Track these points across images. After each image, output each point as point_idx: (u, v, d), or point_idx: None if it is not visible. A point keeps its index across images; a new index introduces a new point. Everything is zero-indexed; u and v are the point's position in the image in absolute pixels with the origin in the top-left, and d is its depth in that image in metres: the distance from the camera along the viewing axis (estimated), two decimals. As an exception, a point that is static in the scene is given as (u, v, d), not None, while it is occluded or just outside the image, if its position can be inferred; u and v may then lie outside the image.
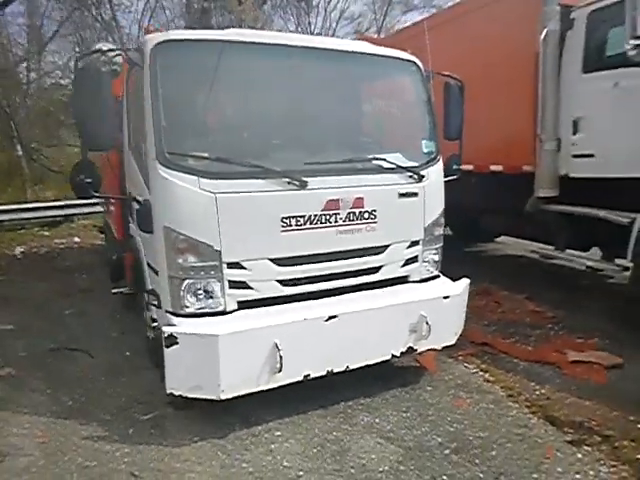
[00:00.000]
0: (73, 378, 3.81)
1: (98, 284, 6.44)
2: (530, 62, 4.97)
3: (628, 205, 4.36)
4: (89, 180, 2.98)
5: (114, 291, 5.06)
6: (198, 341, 2.79)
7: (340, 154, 3.33)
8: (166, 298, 3.04)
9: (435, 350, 3.66)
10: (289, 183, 3.06)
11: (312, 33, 19.21)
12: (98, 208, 10.99)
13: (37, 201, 11.04)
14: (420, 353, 3.56)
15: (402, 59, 3.66)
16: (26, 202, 10.88)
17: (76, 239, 9.56)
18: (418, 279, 3.68)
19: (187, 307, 2.99)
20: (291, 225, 3.09)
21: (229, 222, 2.94)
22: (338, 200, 3.21)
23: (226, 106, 3.15)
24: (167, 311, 3.05)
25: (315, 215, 3.15)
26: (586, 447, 2.89)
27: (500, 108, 5.29)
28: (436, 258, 3.77)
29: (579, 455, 2.83)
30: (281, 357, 2.86)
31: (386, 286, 3.53)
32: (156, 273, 3.17)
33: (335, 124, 3.43)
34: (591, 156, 4.63)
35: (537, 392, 3.53)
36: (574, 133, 4.78)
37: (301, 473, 2.66)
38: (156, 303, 3.20)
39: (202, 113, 3.08)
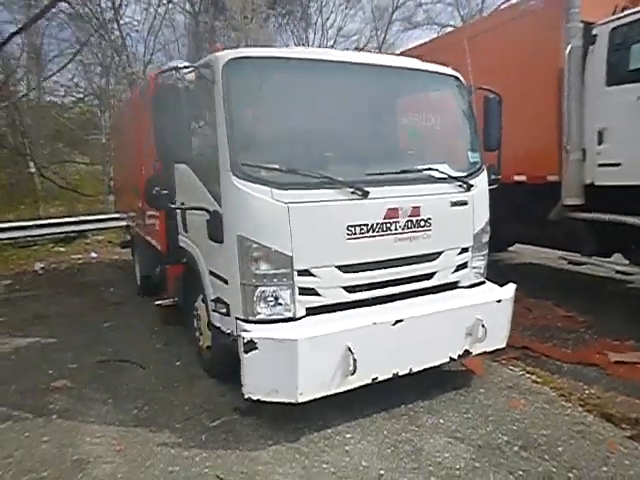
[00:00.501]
0: (131, 388, 3.86)
1: (128, 298, 6.52)
2: (554, 76, 5.19)
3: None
4: (166, 191, 3.10)
5: (157, 303, 5.15)
6: (277, 346, 2.88)
7: (396, 165, 3.48)
8: (237, 305, 3.13)
9: (482, 354, 3.78)
10: (352, 193, 3.19)
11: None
12: (111, 224, 11.17)
13: (50, 217, 11.07)
14: (473, 356, 3.68)
15: (447, 74, 3.84)
16: (40, 218, 10.90)
17: (93, 254, 9.61)
18: (468, 284, 3.81)
19: (259, 314, 3.09)
20: (356, 233, 3.22)
21: (300, 231, 3.06)
22: (397, 209, 3.34)
23: (293, 120, 3.29)
24: (237, 318, 3.15)
25: (377, 223, 3.28)
26: (647, 441, 3.02)
27: (524, 121, 5.47)
28: (483, 264, 3.92)
29: (641, 448, 2.96)
30: (355, 360, 2.96)
31: (439, 292, 3.66)
32: (225, 282, 3.27)
33: (391, 136, 3.60)
34: (617, 165, 4.83)
35: (587, 392, 3.65)
36: (599, 143, 4.98)
37: (382, 472, 2.75)
38: (224, 311, 3.30)
39: (271, 126, 3.24)
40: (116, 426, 3.29)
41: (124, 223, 8.31)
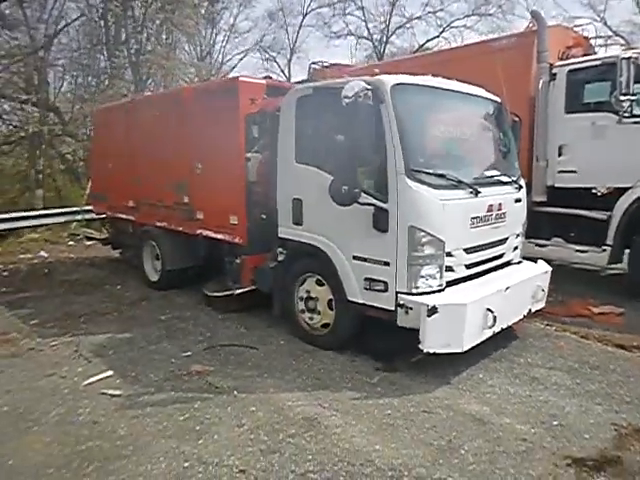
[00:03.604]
0: (267, 365, 4.29)
1: (148, 293, 6.58)
2: (526, 102, 6.76)
3: (600, 205, 6.38)
4: (356, 190, 3.73)
5: (219, 294, 5.50)
6: (453, 309, 3.77)
7: (486, 171, 4.58)
8: (402, 282, 3.91)
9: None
10: (471, 192, 4.19)
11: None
12: (45, 221, 10.29)
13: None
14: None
15: (498, 101, 5.03)
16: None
17: (43, 253, 8.86)
18: (517, 262, 5.07)
19: (418, 287, 3.92)
20: (474, 223, 4.23)
21: (448, 222, 3.97)
22: (492, 205, 4.42)
23: (437, 133, 4.18)
24: (399, 292, 3.93)
25: (483, 215, 4.33)
26: (652, 358, 4.59)
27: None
28: (521, 247, 5.21)
29: (653, 362, 4.51)
30: (495, 317, 3.99)
31: (504, 267, 4.84)
32: (385, 264, 3.99)
33: (482, 148, 4.68)
34: (574, 172, 6.58)
35: (594, 333, 5.17)
36: (559, 155, 6.70)
37: (528, 393, 3.81)
38: (380, 288, 4.03)
39: (424, 138, 4.07)
40: (300, 392, 3.80)
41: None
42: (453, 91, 4.36)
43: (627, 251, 6.32)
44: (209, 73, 17.31)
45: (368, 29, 24.57)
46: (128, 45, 13.85)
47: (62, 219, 10.36)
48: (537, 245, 7.14)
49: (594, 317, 5.63)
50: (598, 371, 4.25)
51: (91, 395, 3.77)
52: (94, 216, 9.34)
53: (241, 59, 25.27)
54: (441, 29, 24.24)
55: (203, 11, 17.44)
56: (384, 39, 24.25)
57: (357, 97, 3.66)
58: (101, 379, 4.03)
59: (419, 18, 24.30)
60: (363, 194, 3.94)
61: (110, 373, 4.14)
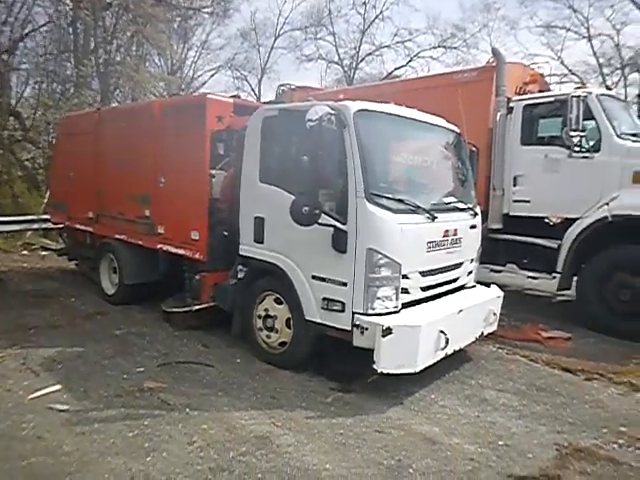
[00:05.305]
0: (223, 383, 4.27)
1: (105, 307, 6.41)
2: (485, 133, 7.07)
3: (551, 234, 6.70)
4: (317, 211, 3.80)
5: (177, 310, 5.45)
6: (407, 330, 3.86)
7: (443, 197, 4.75)
8: (359, 302, 3.99)
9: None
10: (428, 217, 4.34)
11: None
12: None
13: None
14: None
15: (457, 132, 5.26)
16: None
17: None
18: (470, 286, 5.24)
19: (374, 309, 4.00)
20: (430, 247, 4.38)
21: (405, 245, 4.09)
22: (448, 230, 4.59)
23: (397, 159, 4.32)
24: (356, 312, 4.00)
25: (439, 240, 4.49)
26: (595, 381, 4.77)
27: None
28: (475, 271, 5.40)
29: (595, 385, 4.68)
30: (447, 339, 4.11)
31: (458, 291, 5.00)
32: (342, 284, 4.07)
33: (441, 176, 4.86)
34: (527, 202, 6.89)
35: (543, 356, 5.37)
36: (514, 185, 7.01)
37: (477, 414, 3.93)
38: (338, 308, 4.10)
39: (385, 164, 4.19)
40: (254, 410, 3.78)
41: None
42: (414, 120, 4.55)
43: (575, 278, 6.63)
44: (179, 88, 17.32)
45: (339, 54, 25.34)
46: (97, 54, 13.76)
47: (17, 227, 10.03)
48: (492, 270, 7.40)
49: (544, 341, 5.85)
50: (545, 393, 4.41)
51: (37, 409, 3.65)
52: (51, 225, 9.09)
53: (212, 75, 25.45)
54: (409, 58, 25.24)
55: (176, 26, 17.52)
56: (354, 65, 24.99)
57: (321, 121, 3.77)
58: (48, 393, 3.91)
59: (388, 47, 25.26)
60: (323, 215, 4.01)
61: (58, 387, 4.02)
